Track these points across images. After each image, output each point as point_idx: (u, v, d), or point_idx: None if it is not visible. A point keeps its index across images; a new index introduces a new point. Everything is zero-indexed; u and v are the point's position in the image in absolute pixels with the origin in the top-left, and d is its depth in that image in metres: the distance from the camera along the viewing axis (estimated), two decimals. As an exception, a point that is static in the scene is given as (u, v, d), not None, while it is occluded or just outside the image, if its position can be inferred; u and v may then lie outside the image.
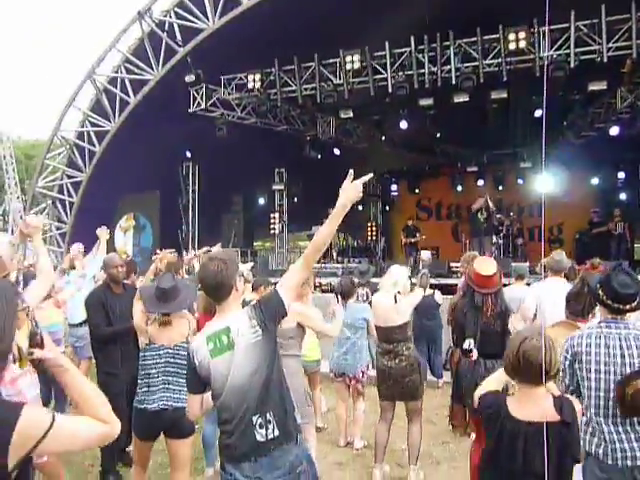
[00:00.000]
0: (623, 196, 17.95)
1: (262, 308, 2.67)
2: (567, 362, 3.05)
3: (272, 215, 17.68)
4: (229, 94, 14.00)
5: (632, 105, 13.07)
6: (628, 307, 2.97)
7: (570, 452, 2.30)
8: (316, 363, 6.10)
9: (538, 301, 5.13)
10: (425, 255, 11.58)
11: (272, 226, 17.75)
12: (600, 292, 3.02)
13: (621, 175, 17.89)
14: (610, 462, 2.88)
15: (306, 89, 12.98)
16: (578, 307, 3.94)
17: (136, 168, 13.80)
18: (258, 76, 13.12)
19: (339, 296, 5.55)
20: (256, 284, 6.15)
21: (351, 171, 2.68)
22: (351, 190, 2.65)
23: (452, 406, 5.28)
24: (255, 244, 21.36)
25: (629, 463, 2.85)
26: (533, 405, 2.35)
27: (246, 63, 13.11)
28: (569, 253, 17.07)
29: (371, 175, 2.79)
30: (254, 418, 2.61)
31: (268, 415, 2.62)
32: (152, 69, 13.44)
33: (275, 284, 2.94)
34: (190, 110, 13.79)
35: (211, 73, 13.35)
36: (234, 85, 13.90)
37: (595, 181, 18.36)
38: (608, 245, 14.64)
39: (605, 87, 12.20)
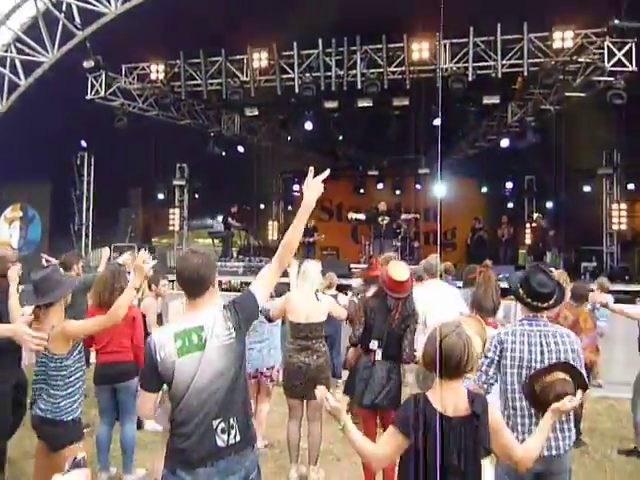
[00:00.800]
0: (510, 204, 19.11)
1: (238, 310, 2.60)
2: (495, 357, 3.17)
3: (172, 211, 17.18)
4: (130, 83, 13.46)
5: (521, 120, 13.95)
6: (546, 305, 3.16)
7: (482, 443, 2.38)
8: None
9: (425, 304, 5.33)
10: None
11: (171, 222, 17.25)
12: (520, 291, 3.18)
13: (509, 185, 19.04)
14: None
15: (212, 84, 12.76)
16: (489, 306, 4.18)
17: (24, 156, 12.91)
18: (162, 67, 12.73)
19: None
20: (152, 280, 6.00)
21: (311, 168, 2.72)
22: (314, 187, 2.70)
23: (350, 401, 5.37)
24: (153, 240, 20.69)
25: (545, 453, 3.01)
26: (450, 399, 2.41)
27: (150, 53, 12.66)
28: (461, 257, 18.17)
29: (328, 171, 2.76)
30: (215, 422, 2.51)
31: (231, 420, 2.54)
32: (47, 51, 12.65)
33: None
34: (87, 97, 13.11)
35: (112, 60, 12.75)
36: (136, 75, 13.38)
37: (485, 189, 19.38)
38: (497, 250, 15.53)
39: (498, 101, 12.95)
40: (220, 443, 2.50)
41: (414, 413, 2.39)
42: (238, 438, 2.54)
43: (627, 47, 10.16)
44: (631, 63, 10.19)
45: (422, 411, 2.38)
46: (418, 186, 19.20)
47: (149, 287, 6.49)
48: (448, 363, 2.39)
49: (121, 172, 15.05)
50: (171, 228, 17.38)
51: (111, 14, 11.70)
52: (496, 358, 3.17)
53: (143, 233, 18.08)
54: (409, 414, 2.40)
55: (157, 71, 12.75)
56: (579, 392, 2.75)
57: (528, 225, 17.30)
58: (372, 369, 4.54)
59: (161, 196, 17.94)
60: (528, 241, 16.89)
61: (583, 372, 3.07)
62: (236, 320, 2.57)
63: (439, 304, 5.27)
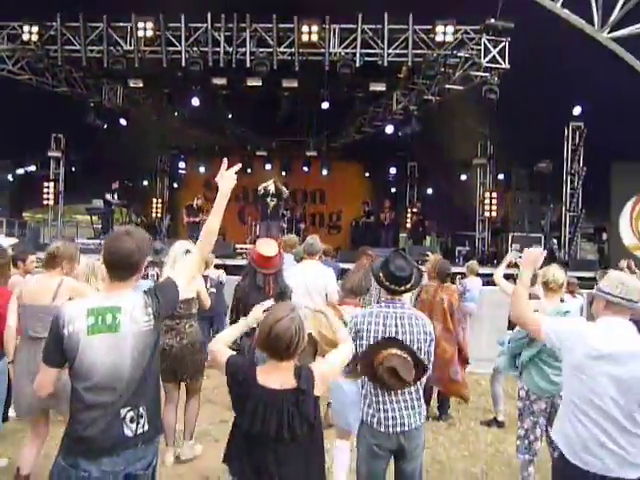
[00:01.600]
0: (393, 189, 19.81)
1: (159, 297, 2.52)
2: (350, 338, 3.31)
3: (46, 184, 16.10)
4: (-1, 44, 12.40)
5: (405, 108, 14.44)
6: (403, 288, 3.32)
7: (305, 416, 2.49)
8: None
9: (294, 280, 5.45)
10: None
11: (45, 196, 16.17)
12: (380, 275, 3.32)
13: (392, 170, 19.72)
14: (382, 430, 3.22)
15: (92, 51, 12.04)
16: (348, 286, 4.36)
17: None
18: (36, 28, 11.80)
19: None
20: (19, 256, 5.62)
21: (225, 159, 2.81)
22: (228, 179, 2.78)
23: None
24: (25, 215, 19.35)
25: (398, 429, 3.22)
26: (278, 375, 2.51)
27: (22, 11, 11.68)
28: (345, 238, 18.63)
29: (240, 165, 2.86)
30: (123, 411, 2.41)
31: (141, 409, 2.45)
32: None
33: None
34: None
35: (-23, 17, 11.68)
36: (6, 34, 12.31)
37: (370, 174, 19.94)
38: (379, 234, 16.08)
39: (384, 89, 13.33)
40: (128, 432, 2.42)
41: (238, 371, 2.55)
42: (147, 427, 2.48)
43: (501, 45, 10.82)
44: (504, 61, 10.86)
45: (245, 376, 2.52)
46: (305, 168, 19.40)
47: (14, 264, 6.05)
48: (279, 346, 2.49)
49: (-13, 141, 13.89)
50: (45, 202, 16.31)
51: (-23, -34, 10.68)
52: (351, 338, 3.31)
53: (13, 207, 16.82)
54: (236, 369, 2.56)
55: (30, 32, 11.79)
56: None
57: (409, 210, 18.04)
58: (253, 349, 4.54)
59: (33, 168, 16.75)
60: (409, 225, 17.61)
61: (431, 354, 3.30)
62: (156, 307, 2.50)
63: (307, 283, 5.41)
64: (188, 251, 5.11)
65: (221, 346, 2.74)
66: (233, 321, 4.77)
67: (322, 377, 2.58)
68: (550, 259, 12.82)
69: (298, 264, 6.15)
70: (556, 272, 4.36)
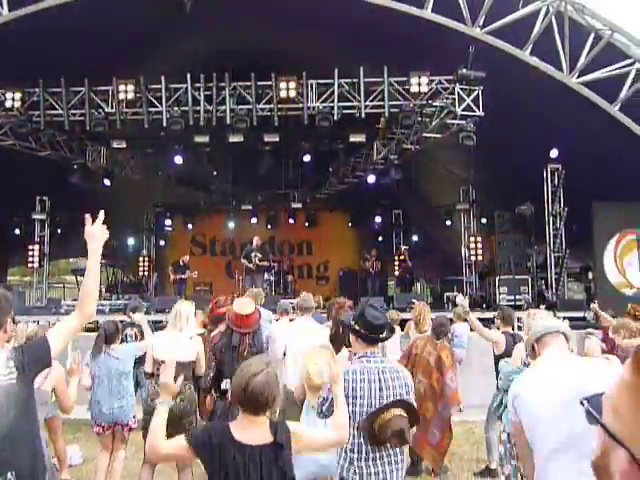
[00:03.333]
0: (379, 238, 19.90)
1: (24, 351, 2.45)
2: (328, 394, 3.21)
3: (31, 247, 16.04)
4: (-18, 111, 12.55)
5: (385, 157, 14.66)
6: (381, 336, 3.30)
7: (283, 471, 2.44)
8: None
9: (288, 339, 5.39)
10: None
11: (30, 259, 16.09)
12: (356, 326, 3.31)
13: (378, 219, 19.86)
14: None
15: (74, 114, 12.19)
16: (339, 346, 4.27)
17: None
18: (19, 95, 11.96)
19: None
20: None
21: (88, 215, 2.75)
22: (98, 234, 2.70)
23: None
24: (10, 278, 19.20)
25: None
26: (254, 430, 2.46)
27: (5, 79, 11.89)
28: (334, 289, 18.57)
29: (102, 213, 2.78)
30: None
31: (9, 475, 2.26)
32: None
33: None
34: None
35: (-39, 86, 11.85)
36: (-11, 102, 12.51)
37: (356, 223, 20.04)
38: (366, 282, 16.05)
39: (364, 139, 13.58)
40: None
41: (211, 436, 2.46)
42: None
43: (474, 94, 11.10)
44: (479, 108, 11.12)
45: (219, 438, 2.44)
46: (291, 220, 19.51)
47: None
48: (255, 401, 2.45)
49: (-28, 205, 13.91)
50: (30, 265, 16.22)
51: (-40, 37, 10.89)
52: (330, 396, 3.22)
53: (-2, 270, 16.72)
54: (206, 437, 2.47)
55: (13, 99, 11.96)
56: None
57: (396, 257, 18.08)
58: (228, 411, 4.41)
59: (17, 231, 16.72)
60: (397, 273, 17.61)
61: (414, 406, 3.25)
62: (20, 361, 2.40)
63: (302, 339, 5.33)
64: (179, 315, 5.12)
65: (164, 440, 2.62)
66: (212, 380, 4.67)
67: (296, 437, 2.51)
68: (539, 301, 12.85)
69: (291, 322, 6.08)
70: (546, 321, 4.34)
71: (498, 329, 6.23)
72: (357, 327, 3.31)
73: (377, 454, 3.14)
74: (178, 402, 4.70)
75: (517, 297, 12.84)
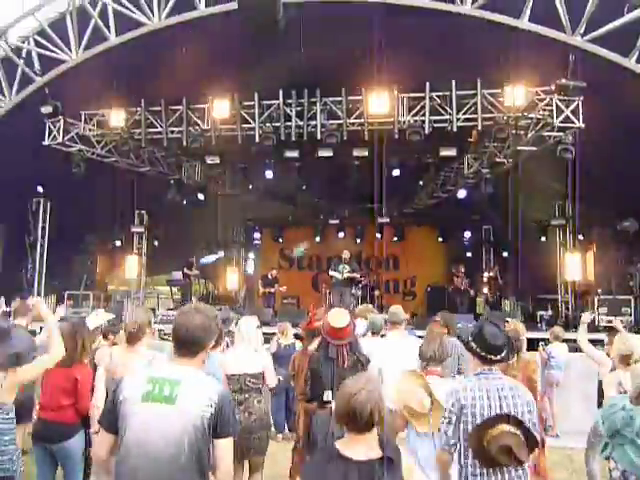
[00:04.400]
0: (468, 254, 19.40)
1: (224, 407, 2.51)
2: (454, 416, 3.10)
3: (130, 258, 16.90)
4: (90, 130, 13.37)
5: (477, 172, 14.32)
6: (498, 357, 3.14)
7: None
8: None
9: (383, 354, 5.32)
10: None
11: (128, 269, 16.94)
12: (473, 344, 3.17)
13: (467, 234, 19.38)
14: None
15: (172, 132, 12.76)
16: (428, 354, 4.18)
17: (-23, 200, 12.62)
18: (122, 114, 12.68)
19: None
20: (107, 330, 5.79)
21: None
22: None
23: (293, 458, 5.22)
24: (110, 288, 20.22)
25: None
26: (360, 446, 2.41)
27: (110, 99, 12.64)
28: (421, 305, 18.26)
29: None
30: None
31: None
32: (4, 96, 12.52)
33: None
34: (45, 143, 12.95)
35: (71, 106, 12.68)
36: (96, 121, 13.31)
37: (444, 239, 19.65)
38: (454, 299, 15.66)
39: (455, 154, 13.31)
40: None
41: (326, 462, 2.41)
42: None
43: (574, 105, 10.60)
44: (578, 120, 10.62)
45: (334, 460, 2.39)
46: (378, 235, 19.40)
47: (105, 337, 6.27)
48: (357, 420, 2.39)
49: (78, 218, 14.79)
50: (128, 276, 17.06)
51: (71, 61, 11.68)
52: (454, 417, 3.10)
53: (99, 281, 17.66)
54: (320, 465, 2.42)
55: (117, 118, 12.69)
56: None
57: (486, 274, 17.56)
58: (329, 422, 4.42)
59: (118, 243, 17.64)
60: (486, 290, 17.09)
61: (537, 424, 3.07)
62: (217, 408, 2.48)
63: (397, 356, 5.24)
64: (258, 326, 5.22)
65: None
66: (310, 390, 4.67)
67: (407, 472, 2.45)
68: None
69: (382, 336, 6.02)
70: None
71: (608, 355, 5.82)
72: (474, 345, 3.19)
73: (496, 476, 2.98)
74: (247, 416, 4.74)
75: (618, 318, 12.10)
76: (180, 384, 2.41)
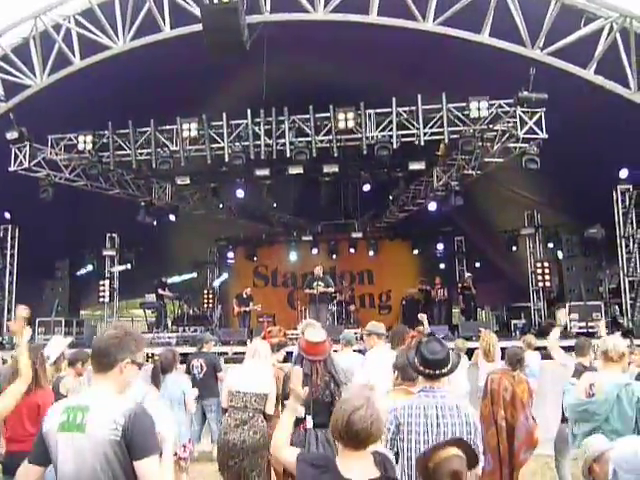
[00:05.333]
0: (442, 265, 19.55)
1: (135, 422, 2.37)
2: (390, 434, 3.10)
3: (102, 282, 16.67)
4: (57, 154, 13.21)
5: (446, 184, 14.49)
6: (439, 372, 3.15)
7: None
8: None
9: (369, 368, 5.33)
10: None
11: (102, 294, 16.69)
12: (415, 361, 3.19)
13: (440, 246, 19.55)
14: None
15: (141, 154, 12.66)
16: (409, 374, 4.15)
17: (-58, 230, 12.37)
18: (90, 138, 12.54)
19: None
20: (74, 358, 5.67)
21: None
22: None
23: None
24: (83, 313, 19.88)
25: None
26: (358, 465, 2.41)
27: (77, 123, 12.53)
28: (396, 318, 18.33)
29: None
30: None
31: None
32: (-32, 123, 12.33)
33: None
34: (10, 169, 12.75)
35: (37, 131, 12.51)
36: (63, 145, 13.15)
37: (418, 251, 19.78)
38: (431, 310, 15.75)
39: (423, 167, 13.48)
40: None
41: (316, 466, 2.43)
42: None
43: (537, 116, 10.83)
44: (542, 131, 10.85)
45: (329, 474, 2.39)
46: (352, 250, 19.47)
47: (70, 364, 6.13)
48: (357, 436, 2.39)
49: (47, 244, 14.58)
50: (101, 300, 16.82)
51: (36, 86, 11.57)
52: (391, 436, 3.11)
53: (71, 306, 17.34)
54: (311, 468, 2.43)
55: (85, 142, 12.52)
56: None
57: (460, 285, 17.70)
58: (303, 440, 4.39)
59: (90, 267, 17.38)
60: (461, 301, 17.22)
61: (478, 445, 3.07)
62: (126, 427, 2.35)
63: (383, 370, 5.22)
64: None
65: (285, 449, 2.69)
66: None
67: None
68: (613, 328, 12.24)
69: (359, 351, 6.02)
70: (616, 341, 4.11)
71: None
72: (415, 362, 3.20)
73: None
74: (252, 435, 4.70)
75: (589, 324, 12.30)
76: (89, 410, 2.35)
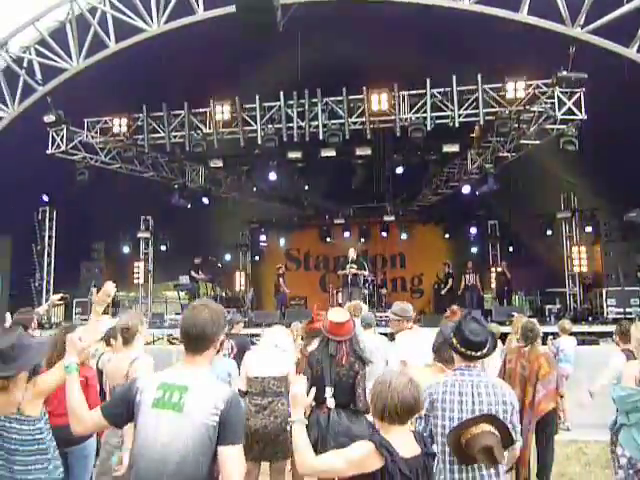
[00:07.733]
0: (474, 249, 19.34)
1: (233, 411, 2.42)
2: (424, 410, 3.08)
3: (136, 264, 16.95)
4: (93, 137, 13.42)
5: (480, 167, 14.27)
6: (479, 354, 3.11)
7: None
8: None
9: (401, 350, 5.31)
10: None
11: (136, 275, 16.99)
12: (453, 340, 3.16)
13: (473, 230, 19.32)
14: None
15: (175, 137, 12.78)
16: (445, 355, 4.12)
17: (-17, 212, 12.68)
18: (125, 121, 12.72)
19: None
20: (107, 335, 5.70)
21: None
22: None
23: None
24: (118, 294, 20.28)
25: None
26: (406, 442, 2.49)
27: (112, 106, 12.68)
28: (428, 302, 18.22)
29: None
30: None
31: None
32: (7, 106, 12.59)
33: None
34: (48, 152, 13.01)
35: (74, 114, 12.72)
36: (99, 129, 13.35)
37: (450, 235, 19.59)
38: (462, 295, 15.62)
39: (457, 149, 13.28)
40: None
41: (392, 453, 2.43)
42: None
43: (576, 97, 10.55)
44: (581, 111, 10.57)
45: (392, 457, 2.42)
46: (384, 233, 19.38)
47: (107, 343, 6.25)
48: (411, 412, 2.50)
49: (84, 226, 14.86)
50: (136, 281, 17.11)
51: (72, 70, 11.74)
52: (425, 412, 3.07)
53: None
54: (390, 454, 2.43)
55: (120, 125, 12.72)
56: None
57: (493, 269, 17.50)
58: (327, 419, 4.35)
59: (126, 249, 17.69)
60: (493, 285, 17.04)
61: (515, 425, 3.04)
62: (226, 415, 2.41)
63: (415, 351, 5.19)
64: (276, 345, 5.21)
65: (315, 458, 2.59)
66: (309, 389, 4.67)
67: None
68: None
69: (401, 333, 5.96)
70: None
71: (618, 345, 5.74)
72: (454, 341, 3.17)
73: (471, 474, 2.95)
74: (273, 420, 4.74)
75: (627, 310, 12.05)
76: (188, 390, 2.39)
